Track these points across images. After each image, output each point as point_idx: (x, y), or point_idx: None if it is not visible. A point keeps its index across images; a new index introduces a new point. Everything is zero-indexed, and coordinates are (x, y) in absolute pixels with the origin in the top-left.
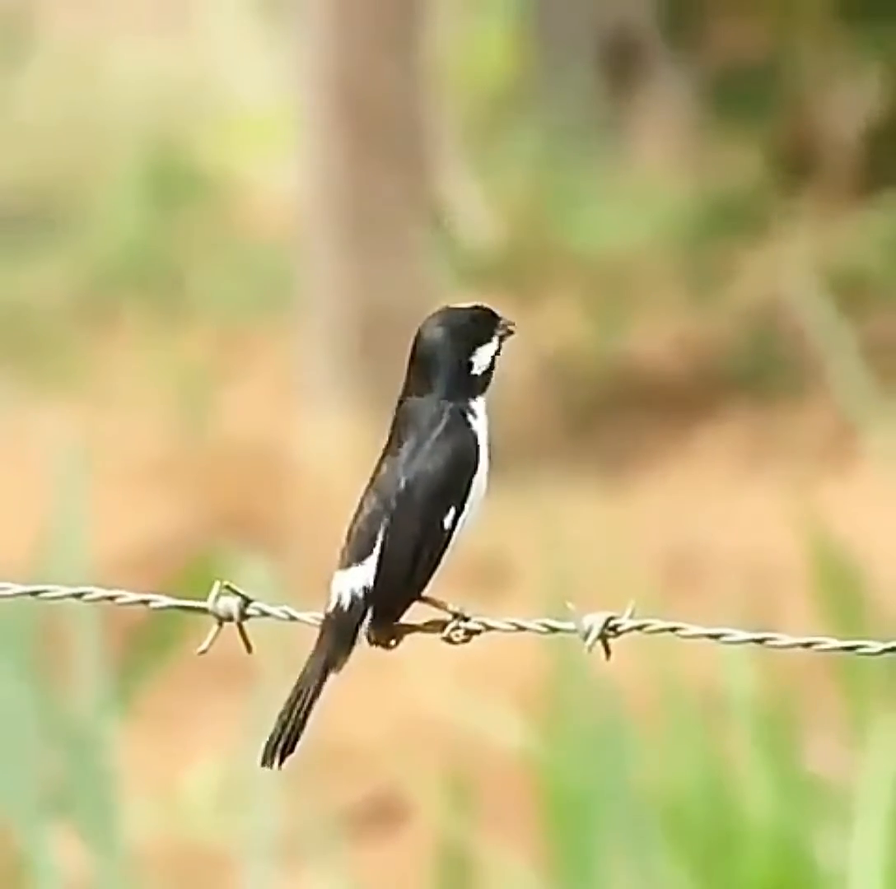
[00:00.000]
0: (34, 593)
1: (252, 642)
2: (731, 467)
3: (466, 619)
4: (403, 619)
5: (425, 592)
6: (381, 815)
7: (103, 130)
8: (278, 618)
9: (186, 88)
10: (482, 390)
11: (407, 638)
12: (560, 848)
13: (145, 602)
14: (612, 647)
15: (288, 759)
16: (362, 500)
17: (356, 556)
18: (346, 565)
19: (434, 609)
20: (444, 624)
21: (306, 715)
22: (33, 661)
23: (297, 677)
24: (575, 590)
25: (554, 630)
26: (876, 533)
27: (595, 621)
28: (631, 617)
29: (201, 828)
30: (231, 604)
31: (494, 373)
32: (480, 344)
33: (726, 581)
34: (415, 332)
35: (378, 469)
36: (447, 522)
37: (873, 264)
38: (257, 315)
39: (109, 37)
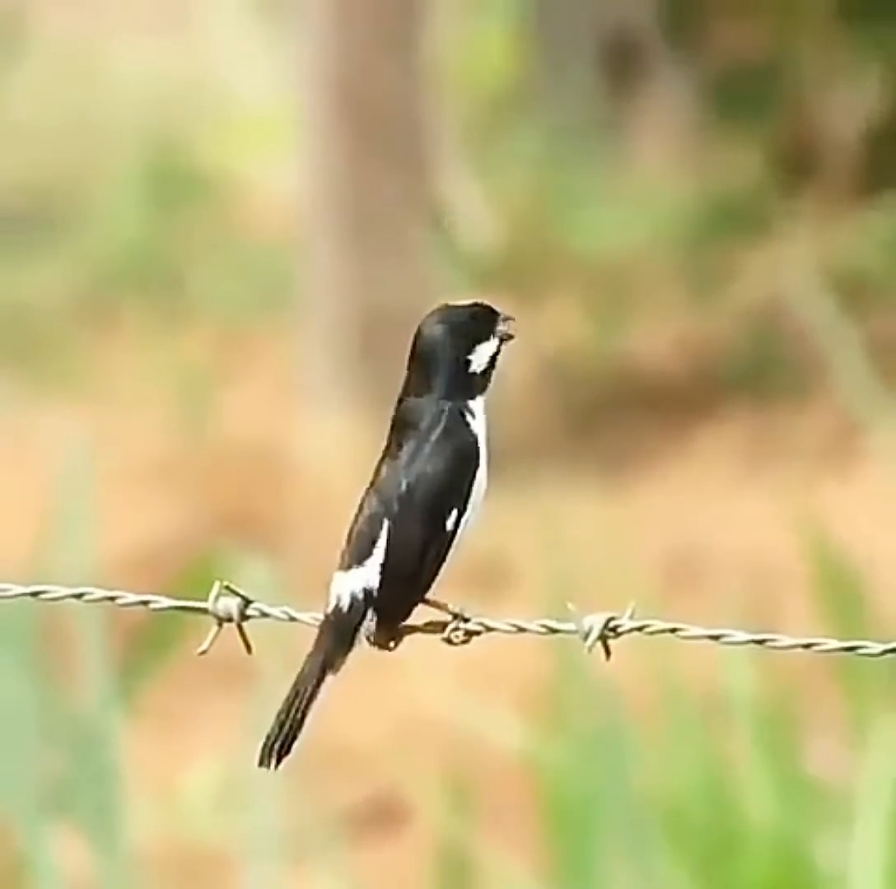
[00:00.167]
0: (35, 594)
1: (252, 643)
2: (732, 468)
3: (466, 620)
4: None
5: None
6: (381, 816)
7: (103, 130)
8: (278, 618)
9: (186, 88)
10: (482, 390)
11: (407, 638)
12: (560, 849)
13: (145, 603)
14: (612, 648)
15: (285, 760)
16: (363, 501)
17: (356, 557)
18: (347, 567)
19: (434, 610)
20: (444, 625)
21: (303, 715)
22: (35, 660)
23: (295, 678)
24: (575, 590)
25: (554, 631)
26: (877, 533)
27: (595, 622)
28: (631, 618)
29: (201, 828)
30: (231, 604)
31: (494, 373)
32: (479, 341)
33: (726, 582)
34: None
35: (378, 471)
36: (450, 523)
37: (874, 264)
38: (257, 315)
39: (107, 36)
